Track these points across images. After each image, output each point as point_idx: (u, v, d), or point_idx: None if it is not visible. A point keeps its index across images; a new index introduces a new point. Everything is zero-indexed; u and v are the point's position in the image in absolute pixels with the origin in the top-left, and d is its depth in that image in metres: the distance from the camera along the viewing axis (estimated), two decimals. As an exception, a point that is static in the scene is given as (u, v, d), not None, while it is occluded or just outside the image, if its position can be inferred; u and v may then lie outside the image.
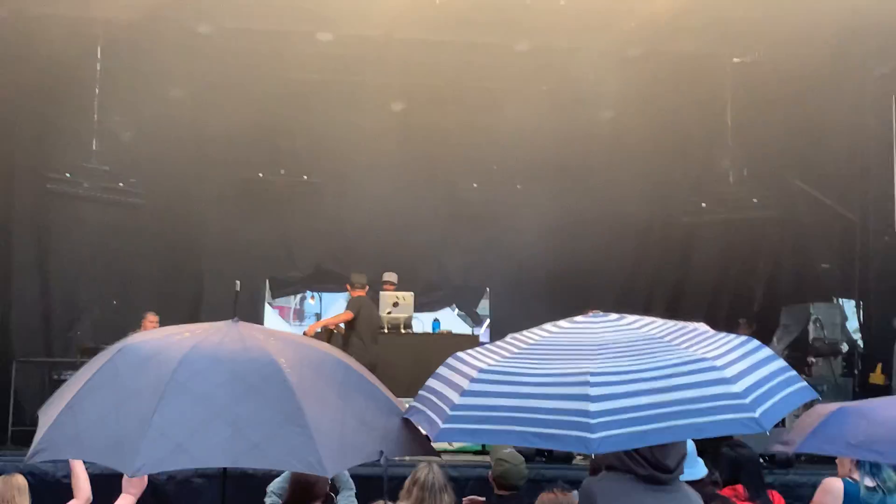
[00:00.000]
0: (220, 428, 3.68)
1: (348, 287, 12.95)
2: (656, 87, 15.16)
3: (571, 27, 13.94)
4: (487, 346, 4.17)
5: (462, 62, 15.10)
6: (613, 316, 4.10)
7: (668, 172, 16.29)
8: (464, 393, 3.73)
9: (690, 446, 5.27)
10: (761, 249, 16.30)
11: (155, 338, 4.26)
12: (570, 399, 3.46)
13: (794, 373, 3.89)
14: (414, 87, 15.55)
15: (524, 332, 4.14)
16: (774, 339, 13.83)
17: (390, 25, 13.85)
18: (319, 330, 12.51)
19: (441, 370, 4.05)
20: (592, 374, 3.50)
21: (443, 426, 3.70)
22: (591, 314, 4.12)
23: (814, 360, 13.07)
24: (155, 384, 3.77)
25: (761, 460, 7.14)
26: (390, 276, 14.23)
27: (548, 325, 4.15)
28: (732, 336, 3.95)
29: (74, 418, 3.98)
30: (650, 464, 3.71)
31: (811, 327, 13.29)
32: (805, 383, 3.92)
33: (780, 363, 3.87)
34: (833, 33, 13.02)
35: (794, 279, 15.71)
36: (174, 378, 3.77)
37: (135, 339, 4.29)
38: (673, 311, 16.22)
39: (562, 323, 4.14)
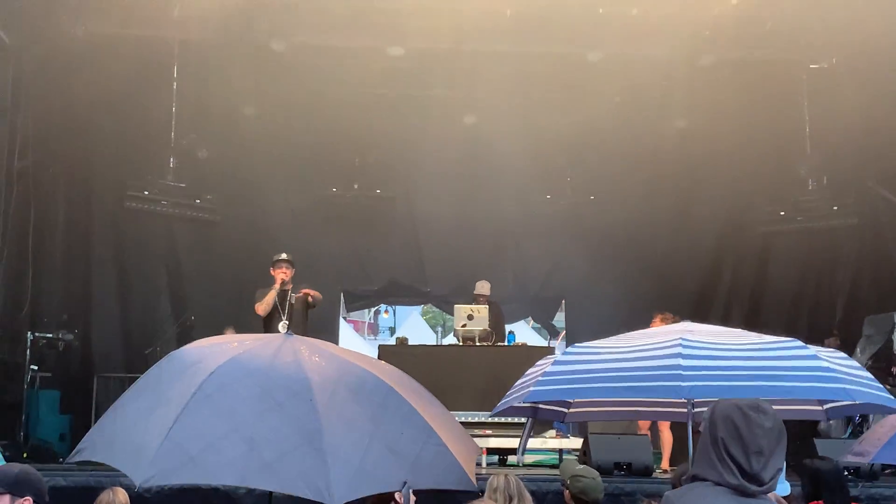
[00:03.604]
0: (236, 443, 3.63)
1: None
2: (730, 94, 14.97)
3: (643, 36, 13.86)
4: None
5: (533, 73, 15.06)
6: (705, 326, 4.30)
7: (745, 181, 16.05)
8: (555, 362, 3.85)
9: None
10: (842, 258, 15.93)
11: (203, 345, 4.25)
12: (663, 358, 3.70)
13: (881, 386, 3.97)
14: (485, 99, 15.53)
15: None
16: (857, 350, 13.52)
17: (461, 38, 13.87)
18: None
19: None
20: (685, 339, 3.74)
21: (533, 388, 3.78)
22: (685, 322, 4.26)
23: (898, 370, 12.75)
24: (184, 393, 3.76)
25: (846, 473, 6.96)
26: (481, 289, 14.04)
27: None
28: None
29: (114, 422, 4.00)
30: (744, 473, 3.56)
31: (895, 337, 12.97)
32: (891, 396, 3.97)
33: (870, 375, 3.96)
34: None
35: (877, 288, 15.31)
36: (201, 389, 3.74)
37: (188, 346, 4.29)
38: (751, 321, 15.96)
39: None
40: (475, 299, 13.91)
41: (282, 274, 11.49)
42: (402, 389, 4.14)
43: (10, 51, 12.99)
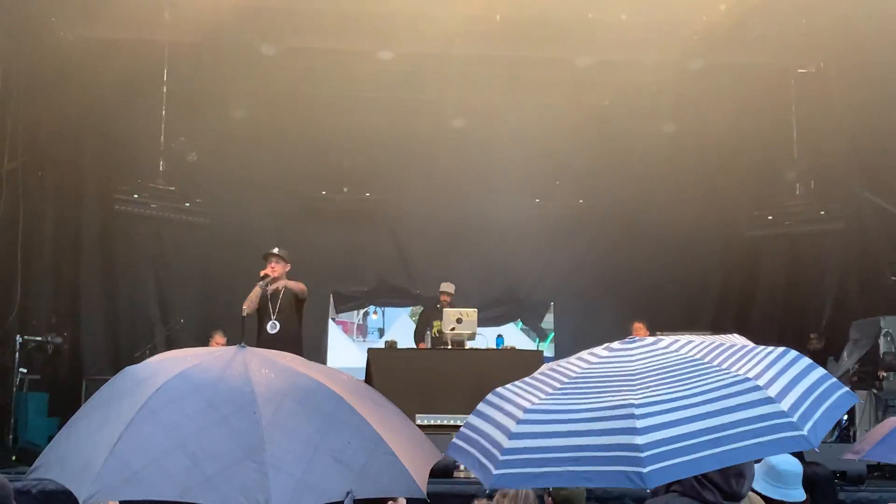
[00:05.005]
0: (178, 458, 3.63)
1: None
2: (719, 99, 15.07)
3: (632, 41, 13.92)
4: (527, 380, 4.09)
5: (523, 77, 15.11)
6: (650, 340, 4.03)
7: (733, 185, 16.13)
8: (512, 436, 3.65)
9: (798, 467, 5.22)
10: (829, 262, 15.97)
11: (157, 360, 4.25)
12: (616, 433, 3.37)
13: (833, 380, 3.79)
14: (474, 102, 15.58)
15: (562, 363, 4.08)
16: (844, 354, 13.58)
17: (450, 42, 13.89)
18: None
19: (482, 407, 3.97)
20: (636, 405, 3.43)
21: (496, 472, 3.62)
22: (627, 339, 4.07)
23: (885, 374, 12.79)
24: (131, 409, 3.76)
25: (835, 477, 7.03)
26: (447, 287, 14.28)
27: (585, 355, 4.08)
28: (769, 349, 3.86)
29: (68, 438, 4.01)
30: (722, 492, 3.62)
31: (881, 341, 12.98)
32: (846, 388, 3.81)
33: (819, 372, 3.76)
34: (898, 40, 12.81)
35: (863, 292, 15.37)
36: (147, 404, 3.74)
37: (143, 362, 4.29)
38: (741, 325, 16.06)
39: (598, 351, 4.07)
40: (440, 297, 14.04)
41: (268, 269, 10.69)
42: (354, 399, 4.12)
43: (1, 53, 12.97)
